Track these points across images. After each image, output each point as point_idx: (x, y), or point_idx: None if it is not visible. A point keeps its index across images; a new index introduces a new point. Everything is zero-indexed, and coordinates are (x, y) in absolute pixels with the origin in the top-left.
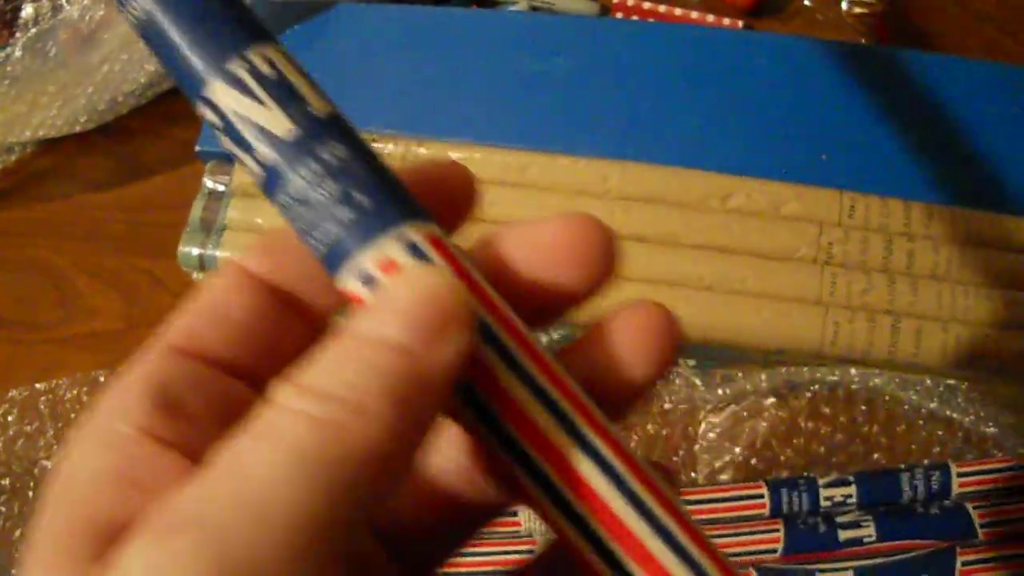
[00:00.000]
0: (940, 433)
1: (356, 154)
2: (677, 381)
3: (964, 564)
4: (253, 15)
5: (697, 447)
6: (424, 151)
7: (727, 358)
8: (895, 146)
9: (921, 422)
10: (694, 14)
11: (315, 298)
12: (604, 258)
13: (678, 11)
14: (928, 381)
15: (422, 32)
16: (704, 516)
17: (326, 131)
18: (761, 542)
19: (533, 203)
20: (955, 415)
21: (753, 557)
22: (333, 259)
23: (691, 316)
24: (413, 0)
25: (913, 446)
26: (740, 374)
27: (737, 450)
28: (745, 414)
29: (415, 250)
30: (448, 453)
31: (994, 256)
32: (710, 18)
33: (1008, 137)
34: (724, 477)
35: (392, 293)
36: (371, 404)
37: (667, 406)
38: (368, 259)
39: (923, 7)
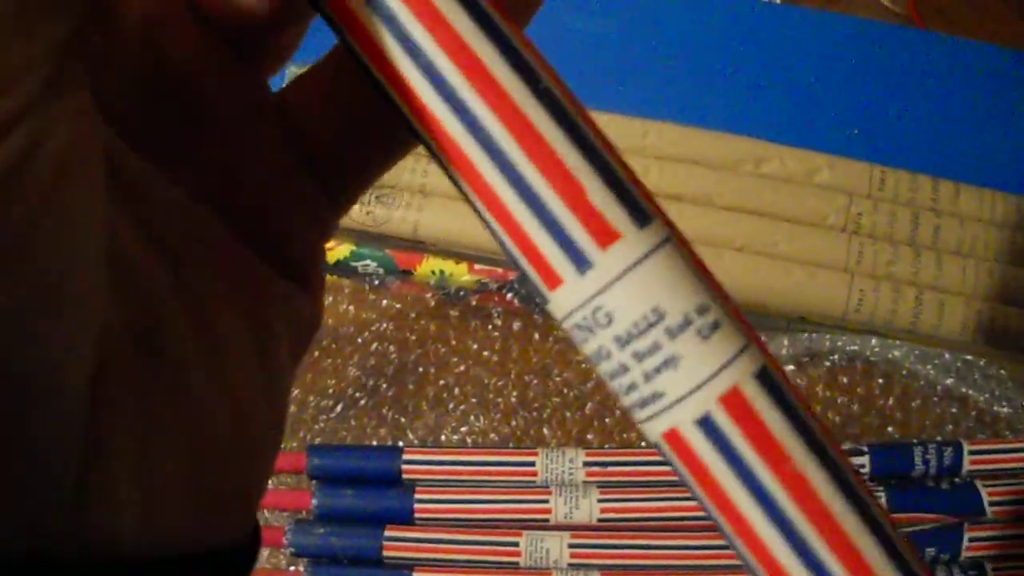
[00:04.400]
0: (954, 411)
1: None
2: None
3: (971, 540)
4: None
5: None
6: None
7: (752, 324)
8: (926, 125)
9: (936, 399)
10: None
11: None
12: None
13: None
14: (947, 355)
15: None
16: None
17: None
18: None
19: None
20: (971, 392)
21: None
22: None
23: (722, 276)
24: None
25: (927, 422)
26: (763, 337)
27: None
28: None
29: None
30: None
31: (1020, 237)
32: None
33: None
34: None
35: None
36: None
37: None
38: None
39: None
